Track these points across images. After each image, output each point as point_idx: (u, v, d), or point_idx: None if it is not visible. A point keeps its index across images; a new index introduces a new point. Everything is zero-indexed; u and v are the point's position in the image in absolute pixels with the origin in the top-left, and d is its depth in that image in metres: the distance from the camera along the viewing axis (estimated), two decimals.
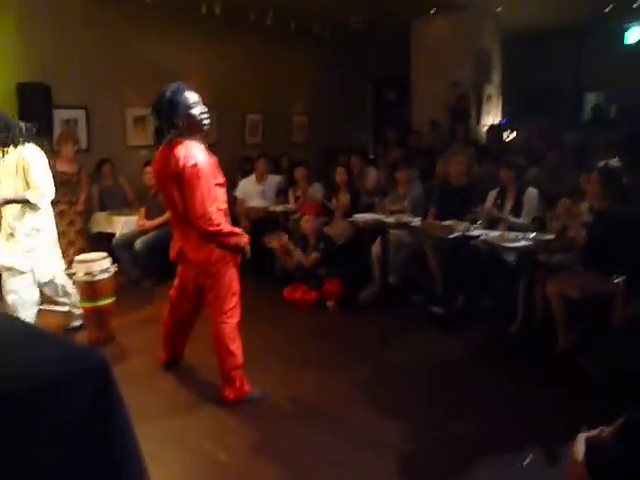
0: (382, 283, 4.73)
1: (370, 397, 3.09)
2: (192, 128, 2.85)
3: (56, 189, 5.41)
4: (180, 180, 2.75)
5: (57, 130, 5.85)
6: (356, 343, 3.94)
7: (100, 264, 3.91)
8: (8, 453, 1.02)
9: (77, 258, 4.02)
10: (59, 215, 5.47)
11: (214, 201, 2.81)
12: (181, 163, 2.73)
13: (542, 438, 2.61)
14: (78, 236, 5.57)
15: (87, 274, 3.86)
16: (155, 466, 1.89)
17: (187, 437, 2.71)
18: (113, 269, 4.01)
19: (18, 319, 1.92)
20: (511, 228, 4.07)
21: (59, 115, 5.92)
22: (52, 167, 5.41)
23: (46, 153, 5.77)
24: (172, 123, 2.81)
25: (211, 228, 2.80)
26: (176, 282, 3.33)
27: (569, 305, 3.45)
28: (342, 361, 3.60)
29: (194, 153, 2.77)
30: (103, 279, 3.91)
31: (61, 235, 5.48)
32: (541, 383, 3.22)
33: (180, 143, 2.79)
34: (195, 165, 2.74)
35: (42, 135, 5.75)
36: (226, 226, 2.89)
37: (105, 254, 4.07)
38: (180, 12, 6.76)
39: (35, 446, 1.12)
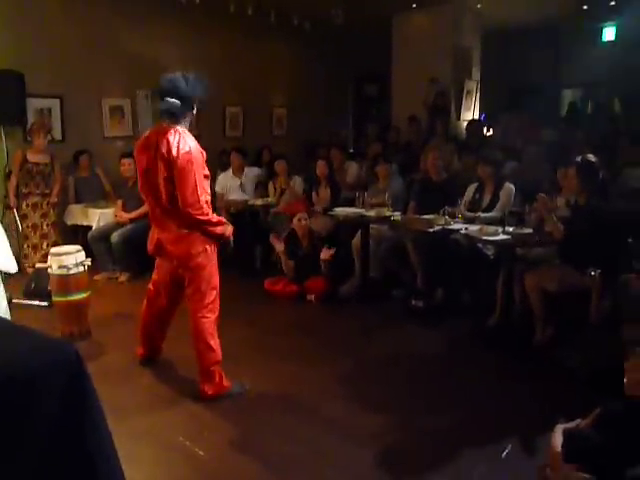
0: (363, 277, 4.73)
1: (351, 391, 3.09)
2: (192, 114, 2.88)
3: (28, 180, 5.33)
4: (172, 166, 2.72)
5: (31, 120, 5.70)
6: (337, 337, 3.93)
7: (74, 257, 3.83)
8: None
9: (51, 251, 3.93)
10: (32, 207, 5.36)
11: (203, 191, 2.79)
12: (174, 149, 2.71)
13: (521, 429, 2.64)
14: (52, 229, 5.45)
15: (61, 267, 3.77)
16: (132, 463, 1.85)
17: (164, 433, 2.67)
18: (87, 263, 3.92)
19: None
20: (488, 222, 4.10)
21: (33, 104, 5.77)
22: (24, 157, 5.31)
23: (18, 143, 5.69)
24: (188, 104, 2.81)
25: (201, 216, 2.77)
26: (154, 276, 3.28)
27: (547, 299, 3.49)
28: (323, 355, 3.59)
29: (188, 140, 2.77)
30: (77, 273, 3.82)
31: (34, 228, 5.38)
32: (519, 376, 3.26)
33: (173, 129, 2.77)
34: (189, 152, 2.73)
35: (14, 124, 5.65)
36: (213, 216, 2.88)
37: (79, 247, 3.98)
38: (160, 2, 6.63)
39: (6, 438, 1.07)
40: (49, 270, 3.85)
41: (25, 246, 5.34)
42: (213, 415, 2.83)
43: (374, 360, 3.53)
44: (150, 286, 3.29)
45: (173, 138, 2.74)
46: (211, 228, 2.86)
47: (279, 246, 4.86)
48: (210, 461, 2.46)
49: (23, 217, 5.30)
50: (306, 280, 4.66)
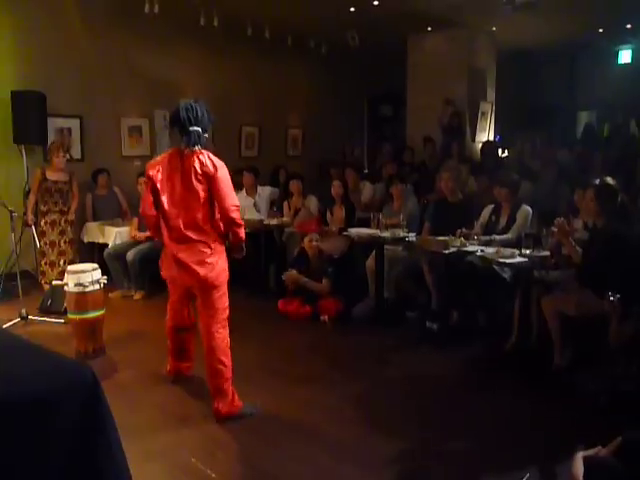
0: (377, 298, 4.69)
1: (364, 414, 3.04)
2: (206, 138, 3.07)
3: (47, 198, 5.41)
4: (212, 182, 2.93)
5: (51, 139, 5.82)
6: (350, 358, 3.89)
7: (91, 275, 3.85)
8: None
9: (68, 268, 3.96)
10: (50, 225, 5.43)
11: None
12: (211, 166, 2.95)
13: (539, 456, 2.57)
14: (69, 246, 5.51)
15: (77, 285, 3.79)
16: None
17: (176, 453, 2.65)
18: (103, 281, 3.95)
19: (5, 331, 1.87)
20: (504, 245, 4.07)
21: (53, 124, 5.89)
22: (43, 175, 5.41)
23: (38, 162, 5.80)
24: (204, 131, 3.01)
25: (238, 219, 3.04)
26: (173, 297, 3.36)
27: (565, 323, 3.43)
28: (336, 377, 3.55)
29: (216, 159, 3.03)
30: (94, 290, 3.84)
31: (51, 245, 5.45)
32: (537, 401, 3.19)
33: (198, 151, 2.97)
34: (223, 166, 3.01)
35: (36, 143, 5.77)
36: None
37: (95, 265, 4.01)
38: (178, 24, 6.79)
39: (22, 459, 1.07)
40: (65, 287, 3.87)
41: (43, 263, 5.40)
42: (225, 436, 2.81)
43: (388, 383, 3.48)
44: (171, 305, 3.40)
45: (205, 158, 2.96)
46: (242, 230, 3.10)
47: (288, 278, 4.87)
48: None
49: (41, 234, 5.37)
50: (318, 296, 4.64)
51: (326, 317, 4.57)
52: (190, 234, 2.97)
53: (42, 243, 5.38)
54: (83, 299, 3.80)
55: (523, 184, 5.11)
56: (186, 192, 2.95)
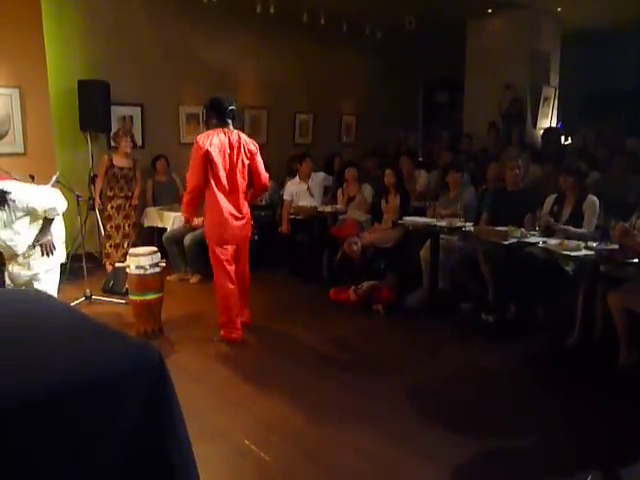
0: (431, 289, 4.61)
1: (419, 406, 3.00)
2: None
3: (113, 184, 5.63)
4: (252, 156, 3.83)
5: (114, 126, 6.02)
6: (403, 349, 3.85)
7: (151, 258, 3.98)
8: (68, 446, 1.01)
9: (130, 251, 4.11)
10: (116, 209, 5.65)
11: None
12: (252, 144, 3.87)
13: (602, 459, 2.46)
14: (132, 229, 5.73)
15: (138, 267, 3.93)
16: (198, 463, 1.88)
17: (232, 435, 2.71)
18: (163, 264, 4.07)
19: (75, 310, 1.95)
20: (569, 237, 3.89)
21: (116, 112, 6.09)
22: (110, 162, 5.62)
23: (102, 148, 6.03)
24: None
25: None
26: (230, 251, 3.88)
27: (632, 320, 3.25)
28: (388, 367, 3.52)
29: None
30: (153, 273, 3.98)
31: (116, 228, 5.67)
32: (601, 401, 3.05)
33: (236, 131, 3.81)
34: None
35: (100, 131, 6.00)
36: None
37: (155, 249, 4.14)
38: (235, 12, 6.83)
39: (91, 438, 1.11)
40: (127, 270, 4.03)
41: (107, 245, 5.63)
42: (279, 420, 2.84)
43: (441, 375, 3.42)
44: (229, 262, 3.88)
45: (245, 137, 3.83)
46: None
47: (348, 248, 4.84)
48: (275, 467, 2.46)
49: (108, 218, 5.60)
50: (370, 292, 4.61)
51: (379, 307, 4.53)
52: (240, 198, 3.81)
53: (108, 226, 5.61)
54: (143, 281, 3.95)
55: (591, 175, 4.87)
56: (235, 165, 3.74)
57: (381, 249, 4.84)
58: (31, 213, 3.31)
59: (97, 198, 5.60)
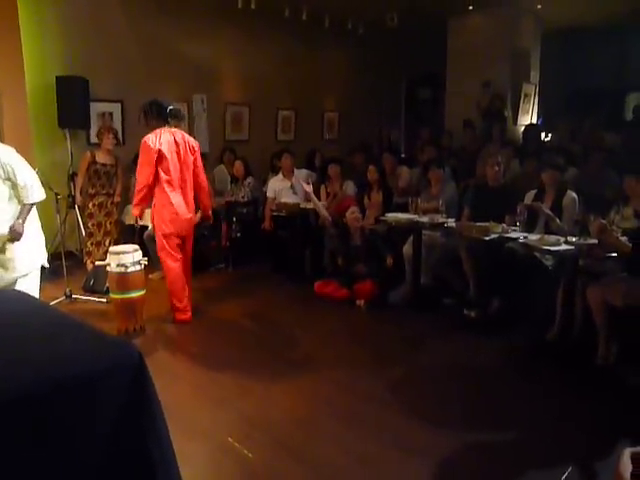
0: (413, 284, 4.64)
1: (401, 401, 3.02)
2: None
3: (95, 181, 5.55)
4: (196, 153, 4.18)
5: (94, 123, 5.93)
6: (386, 345, 3.87)
7: (132, 256, 3.94)
8: (47, 444, 1.00)
9: (111, 249, 4.06)
10: (98, 207, 5.57)
11: None
12: (194, 142, 4.21)
13: (582, 451, 2.50)
14: (114, 227, 5.66)
15: (119, 266, 3.88)
16: (180, 461, 1.87)
17: (213, 433, 2.70)
18: (144, 262, 4.03)
19: (55, 309, 1.92)
20: (548, 230, 3.94)
21: (95, 108, 6.01)
22: (92, 158, 5.54)
23: (82, 145, 5.94)
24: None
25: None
26: (178, 241, 4.16)
27: (611, 313, 3.31)
28: (371, 363, 3.54)
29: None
30: (135, 271, 3.93)
31: (98, 226, 5.60)
32: (580, 394, 3.10)
33: (179, 130, 4.16)
34: None
35: (79, 128, 5.90)
36: None
37: (136, 246, 4.09)
38: (216, 7, 6.78)
39: (69, 436, 1.09)
40: (108, 268, 3.98)
41: (89, 243, 5.55)
42: (261, 417, 2.84)
43: (424, 370, 3.44)
44: (178, 253, 4.17)
45: (186, 135, 4.15)
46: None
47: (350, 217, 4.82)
48: (258, 464, 2.46)
49: (89, 216, 5.52)
50: (355, 279, 4.61)
51: (362, 302, 4.55)
52: (187, 194, 4.11)
53: (90, 224, 5.53)
54: (125, 279, 3.91)
55: (569, 170, 4.94)
56: (184, 161, 4.05)
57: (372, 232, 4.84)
58: (11, 180, 3.24)
59: (78, 195, 5.52)
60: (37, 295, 3.52)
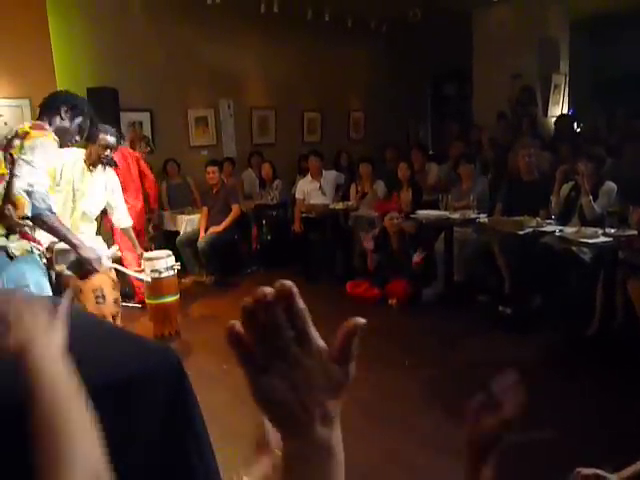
0: (446, 281, 4.58)
1: (436, 401, 2.98)
2: None
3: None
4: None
5: (124, 132, 6.04)
6: (420, 343, 3.83)
7: (165, 261, 3.99)
8: None
9: (145, 255, 4.12)
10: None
11: None
12: None
13: (625, 451, 2.41)
14: (155, 232, 5.76)
15: (153, 271, 3.94)
16: (221, 465, 1.88)
17: (250, 435, 2.70)
18: (177, 267, 4.08)
19: (93, 315, 1.96)
20: (585, 222, 3.83)
21: (125, 118, 6.13)
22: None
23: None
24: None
25: None
26: None
27: None
28: (408, 361, 3.50)
29: None
30: (168, 276, 3.98)
31: (140, 233, 5.71)
32: (622, 391, 2.99)
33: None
34: None
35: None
36: None
37: (169, 252, 4.15)
38: (239, 13, 6.83)
39: (111, 443, 1.10)
40: (142, 274, 4.03)
41: None
42: None
43: (460, 368, 3.39)
44: None
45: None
46: None
47: (369, 244, 4.81)
48: None
49: None
50: (389, 280, 4.58)
51: (394, 301, 4.51)
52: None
53: None
54: (159, 285, 3.96)
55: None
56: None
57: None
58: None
59: None
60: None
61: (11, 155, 2.24)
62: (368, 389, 3.13)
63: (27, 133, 2.27)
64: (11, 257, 2.22)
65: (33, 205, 2.19)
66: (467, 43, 8.18)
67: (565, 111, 8.21)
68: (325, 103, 8.17)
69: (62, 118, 2.46)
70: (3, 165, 2.24)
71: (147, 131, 6.40)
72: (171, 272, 3.99)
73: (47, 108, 2.48)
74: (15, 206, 2.19)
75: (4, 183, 2.23)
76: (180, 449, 1.20)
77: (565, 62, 8.18)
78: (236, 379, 2.70)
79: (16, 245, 2.26)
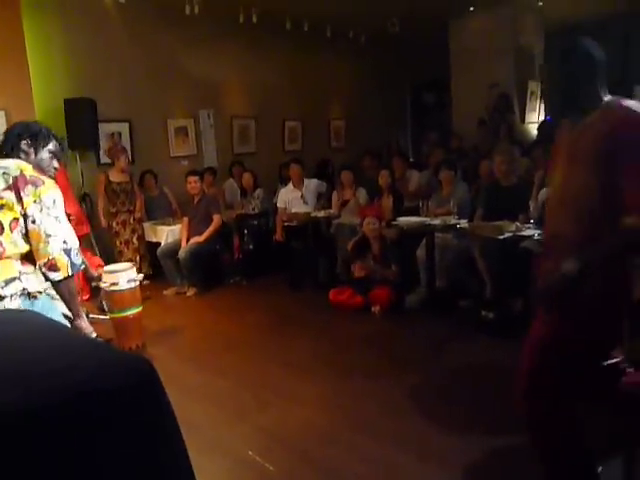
0: (429, 287, 4.59)
1: (421, 406, 2.97)
2: None
3: (115, 200, 5.62)
4: None
5: (103, 144, 6.00)
6: (403, 350, 3.82)
7: (127, 274, 3.92)
8: (54, 462, 0.98)
9: (105, 269, 4.05)
10: (122, 224, 5.64)
11: None
12: None
13: (609, 454, 2.42)
14: (140, 243, 5.71)
15: (113, 284, 3.87)
16: (201, 476, 1.84)
17: (233, 447, 2.66)
18: (139, 278, 4.03)
19: (65, 327, 1.91)
20: None
21: (104, 129, 6.07)
22: (107, 179, 5.63)
23: (91, 166, 6.00)
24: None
25: None
26: None
27: (638, 309, 3.23)
28: (388, 369, 3.48)
29: None
30: (130, 289, 3.92)
31: (126, 243, 5.65)
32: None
33: None
34: None
35: (88, 149, 5.97)
36: None
37: (131, 264, 4.12)
38: (218, 23, 6.85)
39: (82, 453, 1.07)
40: (103, 286, 3.95)
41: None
42: (280, 429, 2.80)
43: (442, 375, 3.38)
44: None
45: None
46: None
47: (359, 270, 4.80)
48: (280, 476, 2.42)
49: (115, 235, 5.62)
50: (373, 287, 4.57)
51: (377, 308, 4.50)
52: None
53: (118, 243, 5.60)
54: (119, 297, 3.90)
55: None
56: None
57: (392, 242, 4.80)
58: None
59: (101, 217, 5.60)
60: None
61: (21, 198, 1.98)
62: (353, 398, 3.11)
63: (39, 180, 2.05)
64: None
65: (72, 263, 2.05)
66: (445, 53, 8.30)
67: (542, 117, 8.36)
68: (306, 112, 8.21)
69: (26, 153, 2.16)
70: (15, 208, 1.99)
71: (126, 142, 6.35)
72: (132, 284, 3.93)
73: (6, 149, 2.15)
74: (56, 268, 2.02)
75: (19, 227, 2.00)
76: (156, 462, 1.16)
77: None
78: (215, 389, 2.67)
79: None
